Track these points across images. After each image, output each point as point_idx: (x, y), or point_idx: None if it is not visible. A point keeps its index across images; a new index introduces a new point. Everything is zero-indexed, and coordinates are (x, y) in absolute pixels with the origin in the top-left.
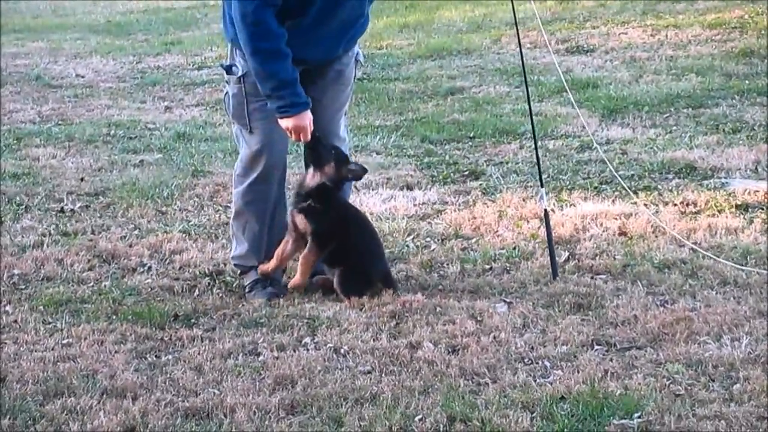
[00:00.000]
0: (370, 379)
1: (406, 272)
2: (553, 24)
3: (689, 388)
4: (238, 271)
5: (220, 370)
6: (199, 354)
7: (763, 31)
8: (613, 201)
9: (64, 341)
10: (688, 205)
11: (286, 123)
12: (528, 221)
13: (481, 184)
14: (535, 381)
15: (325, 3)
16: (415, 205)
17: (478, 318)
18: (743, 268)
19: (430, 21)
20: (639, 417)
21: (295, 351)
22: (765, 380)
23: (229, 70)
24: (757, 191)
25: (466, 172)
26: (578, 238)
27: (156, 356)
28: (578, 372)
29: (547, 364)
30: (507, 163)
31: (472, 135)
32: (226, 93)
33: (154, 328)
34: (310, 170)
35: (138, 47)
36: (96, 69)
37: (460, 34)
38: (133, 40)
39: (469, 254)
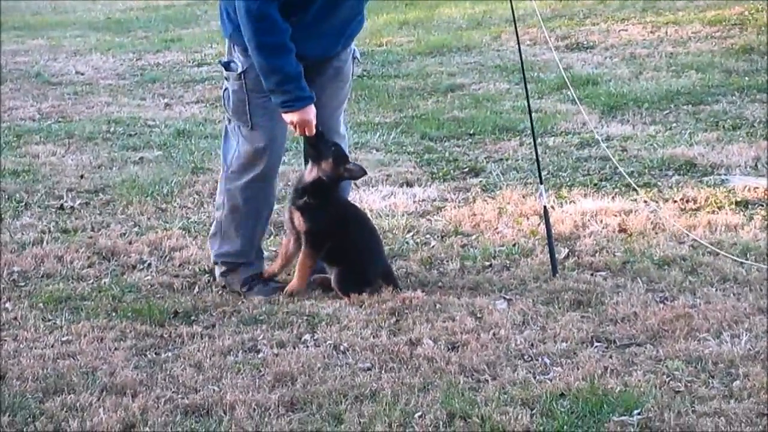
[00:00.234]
0: (370, 376)
1: (406, 269)
2: (553, 21)
3: (689, 384)
4: (222, 269)
5: (220, 367)
6: (198, 351)
7: (763, 28)
8: (612, 198)
9: (64, 338)
10: (687, 201)
11: (290, 117)
12: (528, 218)
13: (480, 181)
14: (534, 378)
15: (326, 0)
16: (414, 202)
17: (478, 315)
18: (744, 261)
19: (429, 18)
20: (639, 414)
21: (294, 348)
22: (765, 377)
23: (227, 66)
24: (757, 188)
25: (466, 169)
26: (578, 234)
27: (156, 353)
28: (578, 369)
29: (547, 360)
30: (507, 160)
31: (471, 132)
32: (226, 89)
33: (153, 325)
34: (309, 165)
35: (138, 44)
36: (96, 66)
37: (460, 31)
38: (133, 37)
39: (468, 251)
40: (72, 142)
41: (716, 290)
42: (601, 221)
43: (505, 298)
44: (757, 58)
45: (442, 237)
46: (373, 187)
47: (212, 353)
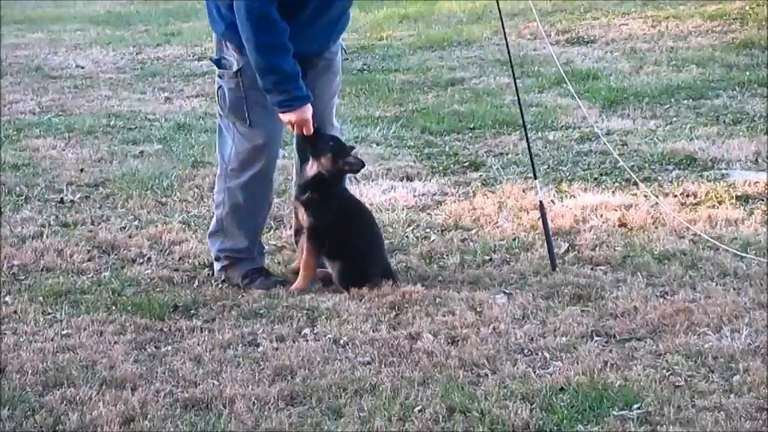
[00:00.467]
0: (370, 370)
1: (406, 263)
2: (554, 15)
3: (689, 379)
4: (223, 263)
5: (220, 361)
6: (198, 345)
7: (763, 22)
8: (613, 192)
9: (64, 332)
10: (688, 196)
11: (288, 117)
12: (528, 212)
13: (481, 175)
14: (534, 372)
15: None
16: (415, 196)
17: (478, 309)
18: (745, 255)
19: (430, 12)
20: (638, 408)
21: (294, 342)
22: (765, 372)
23: (219, 63)
24: (758, 182)
25: (466, 163)
26: (578, 229)
27: (155, 347)
28: (578, 363)
29: (547, 355)
30: (507, 154)
31: (472, 126)
32: (220, 87)
33: (153, 319)
34: (309, 161)
35: (138, 38)
36: (96, 60)
37: (461, 25)
38: (133, 31)
39: (468, 245)
40: (72, 135)
41: (716, 285)
42: (602, 216)
43: (505, 292)
44: (758, 52)
45: (442, 231)
46: (373, 181)
47: (212, 347)
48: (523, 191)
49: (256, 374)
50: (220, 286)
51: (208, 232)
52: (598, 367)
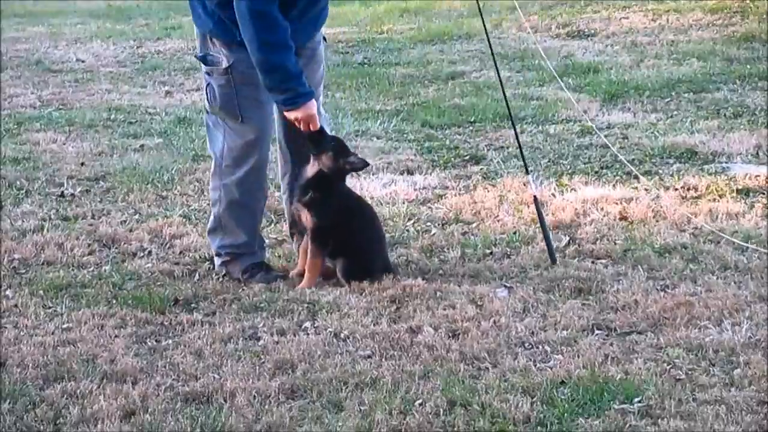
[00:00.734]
0: (371, 363)
1: (407, 257)
2: (555, 8)
3: (690, 372)
4: (224, 259)
5: (220, 355)
6: (199, 338)
7: (764, 16)
8: (613, 186)
9: (64, 326)
10: (688, 189)
11: (294, 114)
12: (528, 206)
13: (481, 169)
14: (535, 366)
15: None
16: (415, 189)
17: (479, 303)
18: (747, 244)
19: (430, 6)
20: (639, 401)
21: (295, 335)
22: (765, 365)
23: (205, 61)
24: (758, 176)
25: (467, 157)
26: (579, 222)
27: (156, 341)
28: (578, 357)
29: (548, 348)
30: (507, 147)
31: (472, 120)
32: (209, 84)
33: (154, 313)
34: (310, 161)
35: (138, 32)
36: (96, 54)
37: (461, 18)
38: (134, 24)
39: (469, 239)
40: (72, 129)
41: (717, 278)
42: (602, 209)
43: (505, 285)
44: (759, 46)
45: (443, 225)
46: (373, 175)
47: (212, 341)
48: (524, 185)
49: (257, 368)
50: (220, 279)
51: (207, 229)
52: (599, 361)
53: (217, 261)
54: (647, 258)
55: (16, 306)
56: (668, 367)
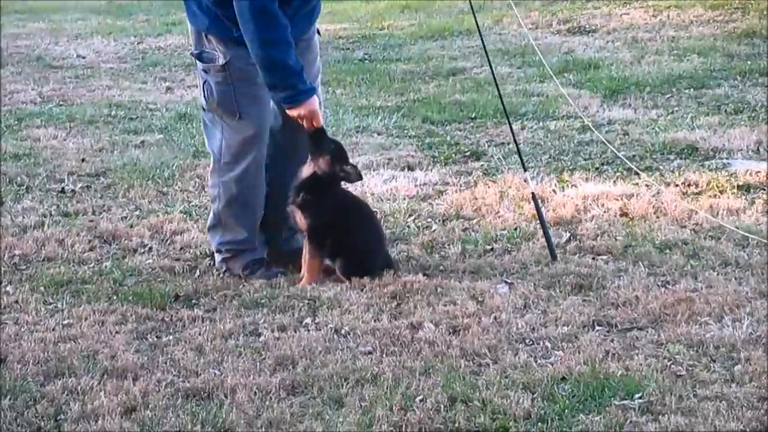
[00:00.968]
0: (371, 359)
1: (407, 253)
2: (555, 4)
3: (690, 368)
4: (224, 256)
5: (221, 351)
6: (199, 334)
7: (765, 12)
8: (614, 182)
9: (65, 322)
10: (689, 185)
11: (296, 111)
12: (529, 202)
13: (482, 165)
14: (536, 362)
15: None
16: (416, 185)
17: (479, 299)
18: (750, 234)
19: (431, 2)
20: (640, 398)
21: (295, 331)
22: (766, 361)
23: (200, 57)
24: (759, 172)
25: (468, 153)
26: (579, 218)
27: (157, 337)
28: (579, 353)
29: (548, 344)
30: (508, 143)
31: (473, 116)
32: (206, 82)
33: (154, 309)
34: (308, 161)
35: (139, 28)
36: (97, 50)
37: (462, 14)
38: (134, 20)
39: (470, 235)
40: (73, 125)
41: (718, 274)
42: (603, 205)
43: (506, 282)
44: (759, 42)
45: (444, 221)
46: (374, 170)
47: (213, 337)
48: (524, 181)
49: (258, 364)
50: (221, 275)
51: (207, 226)
52: (600, 357)
53: (218, 257)
54: (648, 254)
55: (16, 302)
56: (669, 363)
